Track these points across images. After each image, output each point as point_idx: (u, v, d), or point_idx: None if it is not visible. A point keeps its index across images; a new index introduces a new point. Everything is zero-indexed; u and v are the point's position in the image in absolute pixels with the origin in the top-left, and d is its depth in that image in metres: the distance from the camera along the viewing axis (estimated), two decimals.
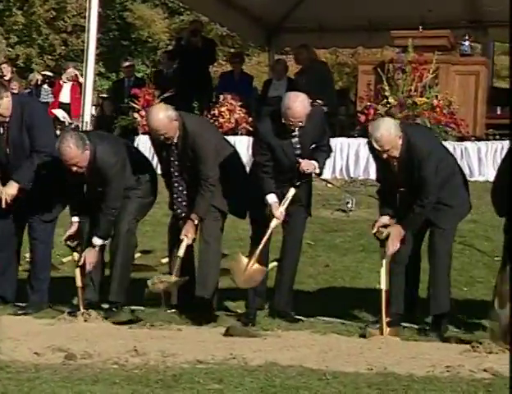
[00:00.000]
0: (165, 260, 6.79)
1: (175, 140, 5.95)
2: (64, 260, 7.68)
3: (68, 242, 6.16)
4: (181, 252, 5.93)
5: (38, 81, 15.02)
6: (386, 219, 5.63)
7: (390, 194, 5.70)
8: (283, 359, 4.69)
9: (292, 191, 5.85)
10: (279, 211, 5.78)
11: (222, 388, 4.07)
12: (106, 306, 6.16)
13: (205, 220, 6.02)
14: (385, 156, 5.48)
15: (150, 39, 25.78)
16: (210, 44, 12.82)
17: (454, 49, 11.49)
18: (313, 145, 5.91)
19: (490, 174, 9.83)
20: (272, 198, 5.80)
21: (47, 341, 5.06)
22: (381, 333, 5.47)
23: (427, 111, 10.01)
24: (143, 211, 6.29)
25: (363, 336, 5.41)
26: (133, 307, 6.18)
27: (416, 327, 5.64)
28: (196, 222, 5.96)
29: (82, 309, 5.93)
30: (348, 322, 5.79)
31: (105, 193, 5.97)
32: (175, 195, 6.05)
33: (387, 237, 5.58)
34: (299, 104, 5.66)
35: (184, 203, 6.04)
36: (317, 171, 5.92)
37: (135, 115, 11.27)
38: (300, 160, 5.83)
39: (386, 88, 10.20)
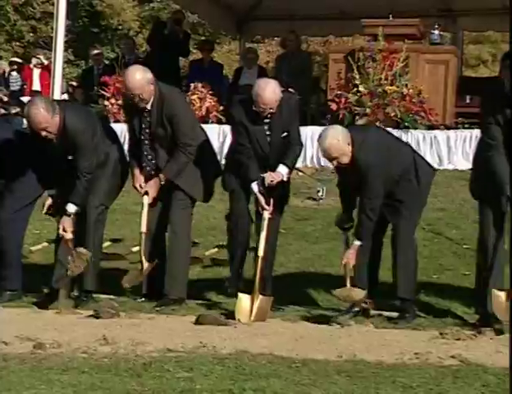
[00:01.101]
0: (135, 249, 6.77)
1: (148, 106, 5.91)
2: (33, 249, 7.63)
3: (49, 212, 6.12)
4: (144, 212, 5.90)
5: (5, 73, 14.83)
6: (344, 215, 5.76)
7: (348, 193, 5.79)
8: (253, 347, 4.70)
9: (266, 213, 5.80)
10: (265, 205, 5.78)
11: (192, 376, 4.06)
12: (76, 294, 6.13)
13: (173, 208, 6.00)
14: (335, 163, 5.52)
15: (120, 27, 25.59)
16: (187, 36, 12.76)
17: (423, 38, 11.53)
18: (284, 134, 5.90)
19: (459, 162, 9.92)
20: (256, 187, 5.81)
21: (15, 330, 5.02)
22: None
23: (397, 99, 10.05)
24: (111, 195, 6.21)
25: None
26: (103, 296, 6.15)
27: (385, 314, 5.68)
28: (162, 182, 5.92)
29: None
30: (318, 310, 5.81)
31: (76, 159, 5.90)
32: (143, 164, 6.00)
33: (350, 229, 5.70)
34: (269, 91, 5.66)
35: (152, 173, 6.01)
36: (285, 178, 5.91)
37: (106, 103, 11.19)
38: (264, 175, 5.80)
39: (357, 76, 10.22)
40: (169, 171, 5.96)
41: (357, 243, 5.62)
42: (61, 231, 5.95)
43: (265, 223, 5.79)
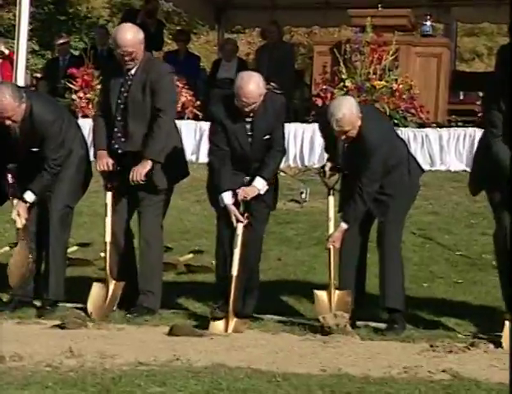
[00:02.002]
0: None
1: (133, 70, 5.96)
2: None
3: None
4: (108, 216, 5.91)
5: None
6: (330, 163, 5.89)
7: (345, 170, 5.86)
8: (230, 360, 4.71)
9: (240, 228, 5.77)
10: (240, 216, 5.76)
11: (165, 391, 4.07)
12: (39, 304, 6.10)
13: (145, 215, 6.00)
14: (343, 137, 5.55)
15: (89, 15, 25.51)
16: (161, 29, 12.73)
17: (414, 30, 11.61)
18: (267, 136, 5.89)
19: (452, 163, 9.98)
20: (228, 198, 5.77)
21: None
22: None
23: (386, 95, 10.10)
24: (76, 195, 6.19)
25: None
26: (68, 305, 6.13)
27: (372, 325, 5.70)
28: (149, 166, 5.90)
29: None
30: (301, 320, 5.82)
31: (44, 152, 5.89)
32: (115, 129, 5.99)
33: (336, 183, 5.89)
34: (252, 84, 5.67)
35: (123, 139, 6.01)
36: (262, 192, 5.87)
37: (73, 96, 11.16)
38: (237, 191, 5.78)
39: (343, 70, 10.26)
40: (151, 152, 5.93)
41: (344, 226, 5.69)
42: (13, 216, 5.94)
43: (239, 239, 5.74)
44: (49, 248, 6.04)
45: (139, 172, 5.90)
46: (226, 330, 5.58)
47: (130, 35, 5.92)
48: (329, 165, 5.91)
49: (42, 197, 5.98)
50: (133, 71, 5.99)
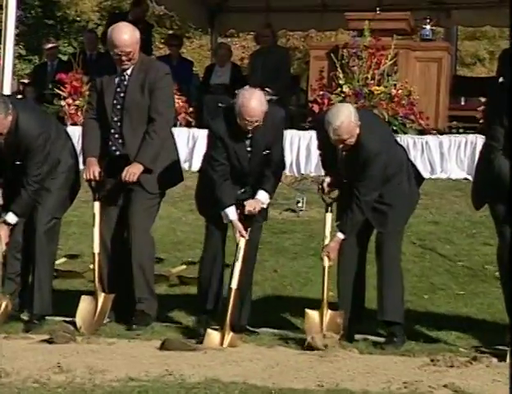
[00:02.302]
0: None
1: (129, 71, 5.98)
2: None
3: None
4: (96, 226, 5.91)
5: None
6: (329, 179, 5.83)
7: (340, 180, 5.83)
8: (225, 375, 4.70)
9: (242, 242, 5.82)
10: (244, 232, 5.79)
11: None
12: (26, 318, 6.09)
13: (136, 218, 6.00)
14: (341, 146, 5.56)
15: (78, 18, 25.52)
16: (149, 32, 12.70)
17: (414, 34, 11.64)
18: (267, 151, 5.92)
19: (453, 171, 9.99)
20: (232, 213, 5.79)
21: None
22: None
23: (384, 101, 10.11)
24: (63, 206, 6.19)
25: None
26: (57, 318, 6.12)
27: (371, 338, 5.70)
28: (141, 169, 5.91)
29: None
30: (297, 334, 5.81)
31: (26, 166, 5.88)
32: (112, 131, 6.01)
33: (334, 200, 5.84)
34: (254, 101, 5.66)
35: (120, 141, 6.02)
36: (265, 205, 5.94)
37: (62, 103, 11.16)
38: (245, 203, 5.83)
39: (341, 75, 10.27)
40: (145, 158, 5.95)
41: (340, 236, 5.70)
42: None
43: (241, 253, 5.76)
44: (35, 261, 6.02)
45: (133, 173, 5.92)
46: (222, 344, 5.56)
47: (127, 35, 5.95)
48: (327, 180, 5.86)
49: (25, 216, 5.97)
50: (129, 71, 6.02)
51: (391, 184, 5.74)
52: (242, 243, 5.79)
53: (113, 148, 6.05)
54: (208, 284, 5.95)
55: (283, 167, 6.16)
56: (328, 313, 5.72)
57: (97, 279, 5.99)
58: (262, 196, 5.90)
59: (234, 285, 5.73)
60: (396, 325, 5.69)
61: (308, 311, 5.77)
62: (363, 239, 5.86)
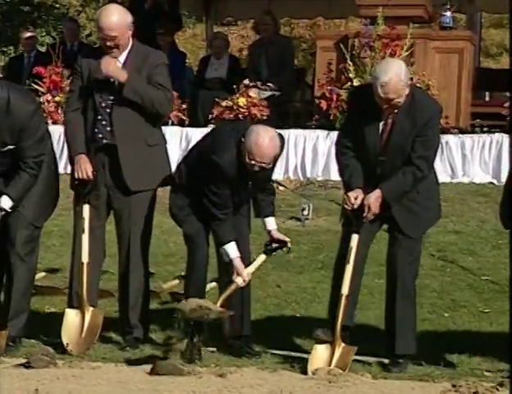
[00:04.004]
0: None
1: (121, 58, 6.03)
2: None
3: None
4: (86, 233, 5.94)
5: None
6: (359, 192, 5.66)
7: (365, 165, 5.71)
8: None
9: (262, 258, 5.95)
10: (246, 272, 5.83)
11: None
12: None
13: (134, 234, 6.05)
14: (385, 106, 5.52)
15: (57, 5, 25.56)
16: (176, 6, 12.81)
17: (433, 21, 11.67)
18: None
19: (476, 174, 10.01)
20: (233, 251, 5.83)
21: None
22: (332, 354, 5.55)
23: None
24: (45, 214, 6.18)
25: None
26: (34, 340, 6.14)
27: (386, 362, 5.72)
28: (122, 78, 5.95)
29: None
30: (303, 355, 5.83)
31: (23, 148, 5.85)
32: (99, 117, 6.04)
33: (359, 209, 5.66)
34: (269, 143, 5.66)
35: (104, 142, 6.07)
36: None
37: (40, 100, 11.18)
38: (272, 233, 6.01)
39: (351, 68, 10.30)
40: (131, 83, 5.98)
41: (381, 191, 5.59)
42: None
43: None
44: (11, 274, 6.02)
45: (107, 62, 5.96)
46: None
47: (115, 17, 5.98)
48: (359, 196, 5.65)
49: (19, 203, 5.93)
50: (122, 58, 6.05)
51: (427, 181, 5.73)
52: (239, 281, 5.80)
53: (99, 135, 6.09)
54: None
55: (274, 193, 6.22)
56: (341, 348, 5.61)
57: (85, 292, 6.00)
58: (273, 223, 6.06)
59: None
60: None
61: (318, 346, 5.64)
62: (367, 238, 5.82)
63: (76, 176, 6.07)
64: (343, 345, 5.61)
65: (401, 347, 5.69)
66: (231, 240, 5.82)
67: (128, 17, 6.08)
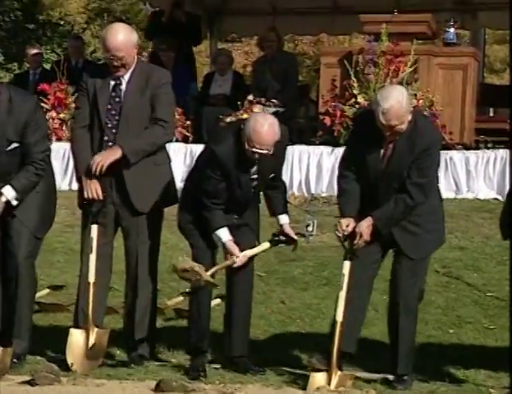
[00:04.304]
0: None
1: (126, 76, 6.04)
2: None
3: None
4: (93, 252, 5.92)
5: None
6: (350, 220, 5.68)
7: (364, 188, 5.71)
8: None
9: (266, 245, 5.96)
10: (243, 254, 5.83)
11: None
12: None
13: (142, 252, 6.07)
14: (388, 133, 5.51)
15: (62, 22, 25.63)
16: (195, 20, 12.88)
17: (436, 37, 11.70)
18: (272, 175, 5.99)
19: (480, 190, 10.00)
20: (225, 234, 5.83)
21: None
22: (329, 382, 5.53)
23: None
24: (46, 226, 6.16)
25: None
26: (39, 357, 6.13)
27: (390, 377, 5.70)
28: (117, 155, 5.92)
29: None
30: (307, 373, 5.81)
31: (28, 144, 5.84)
32: (105, 138, 6.03)
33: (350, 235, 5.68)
34: (268, 128, 5.67)
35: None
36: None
37: (45, 117, 11.21)
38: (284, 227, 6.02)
39: (355, 84, 10.32)
40: (127, 144, 5.97)
41: (371, 219, 5.59)
42: None
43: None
44: (13, 288, 5.99)
45: (106, 158, 5.92)
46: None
47: (121, 36, 6.00)
48: (351, 224, 5.66)
49: (22, 197, 5.91)
50: (127, 76, 6.07)
51: (430, 202, 5.71)
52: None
53: None
54: (200, 320, 5.96)
55: (284, 183, 6.19)
56: (337, 376, 5.57)
57: (90, 312, 5.99)
58: (286, 219, 6.06)
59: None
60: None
61: (315, 375, 5.59)
62: (376, 264, 5.82)
63: (86, 195, 6.05)
64: (339, 373, 5.57)
65: (403, 367, 5.65)
66: (223, 226, 5.82)
67: (133, 36, 6.09)
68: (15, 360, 5.99)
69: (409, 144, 5.56)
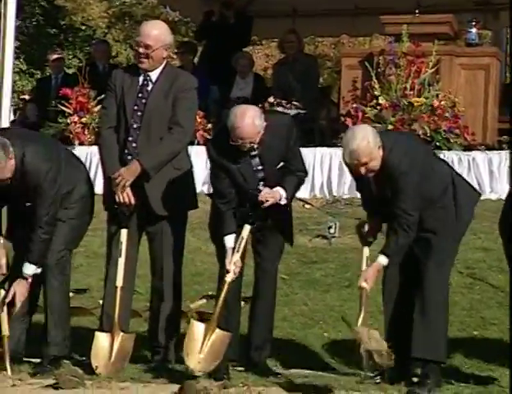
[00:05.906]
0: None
1: (153, 75, 6.07)
2: None
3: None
4: (123, 256, 5.96)
5: None
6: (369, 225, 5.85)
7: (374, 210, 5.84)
8: None
9: (247, 229, 5.86)
10: (231, 262, 5.79)
11: None
12: (37, 361, 6.09)
13: (166, 257, 6.08)
14: (363, 171, 5.53)
15: (84, 27, 25.74)
16: (246, 20, 12.82)
17: (458, 38, 11.64)
18: (281, 163, 5.95)
19: (504, 190, 9.90)
20: (230, 242, 5.83)
21: None
22: None
23: (425, 114, 10.11)
24: (76, 237, 6.22)
25: None
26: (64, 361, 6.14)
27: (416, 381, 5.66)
28: (137, 173, 5.96)
29: (9, 371, 5.86)
30: (331, 375, 5.80)
31: (36, 206, 5.88)
32: (130, 138, 6.06)
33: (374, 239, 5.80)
34: (246, 121, 5.69)
35: (137, 151, 6.05)
36: (283, 201, 5.93)
37: (67, 121, 11.24)
38: (261, 188, 5.88)
39: (376, 86, 10.29)
40: (146, 159, 6.00)
41: (382, 260, 5.59)
42: (9, 297, 5.87)
43: (225, 287, 5.75)
44: (48, 296, 6.04)
45: (128, 176, 5.96)
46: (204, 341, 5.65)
47: (156, 31, 6.08)
48: (366, 228, 5.85)
49: (43, 262, 5.93)
50: (154, 77, 6.10)
51: (434, 208, 5.71)
52: (228, 278, 5.75)
53: (129, 157, 6.09)
54: (226, 326, 5.90)
55: (305, 172, 6.14)
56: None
57: (116, 316, 6.00)
58: (281, 190, 5.92)
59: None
60: (432, 364, 5.62)
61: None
62: (409, 272, 5.80)
63: (117, 199, 6.07)
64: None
65: (420, 349, 5.56)
66: (231, 233, 5.82)
67: (169, 37, 6.15)
68: (48, 365, 5.99)
69: (383, 174, 5.57)
